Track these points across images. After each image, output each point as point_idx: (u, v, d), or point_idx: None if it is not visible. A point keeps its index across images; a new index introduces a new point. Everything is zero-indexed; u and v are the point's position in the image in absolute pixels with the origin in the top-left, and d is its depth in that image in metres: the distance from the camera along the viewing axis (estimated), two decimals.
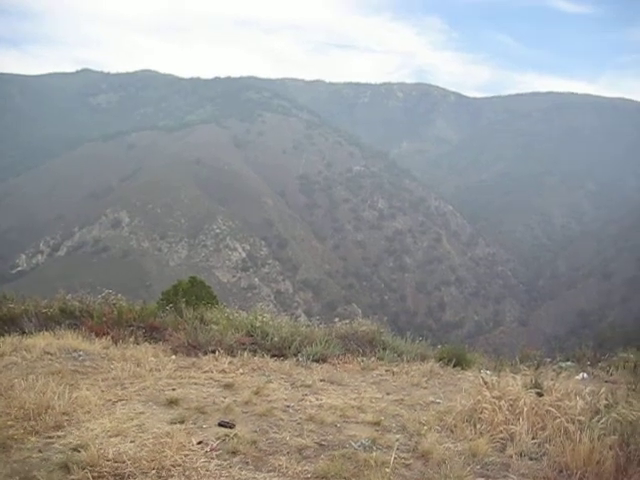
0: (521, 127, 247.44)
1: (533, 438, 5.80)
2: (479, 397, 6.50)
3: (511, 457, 5.50)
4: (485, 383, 6.85)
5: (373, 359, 9.82)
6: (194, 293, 14.01)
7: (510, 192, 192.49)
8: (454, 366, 9.66)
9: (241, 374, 8.34)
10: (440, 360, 9.83)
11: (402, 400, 7.47)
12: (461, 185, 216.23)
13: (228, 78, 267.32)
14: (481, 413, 6.26)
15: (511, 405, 6.22)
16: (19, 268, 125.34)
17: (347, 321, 11.59)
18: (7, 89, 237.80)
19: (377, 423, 6.36)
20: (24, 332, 10.93)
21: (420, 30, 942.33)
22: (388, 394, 7.83)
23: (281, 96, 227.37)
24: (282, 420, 6.32)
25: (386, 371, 9.25)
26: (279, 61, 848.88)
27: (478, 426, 6.10)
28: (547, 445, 5.67)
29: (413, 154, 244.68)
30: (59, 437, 5.45)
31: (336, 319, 11.91)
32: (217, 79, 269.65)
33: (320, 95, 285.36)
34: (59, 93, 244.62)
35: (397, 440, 5.80)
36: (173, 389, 7.29)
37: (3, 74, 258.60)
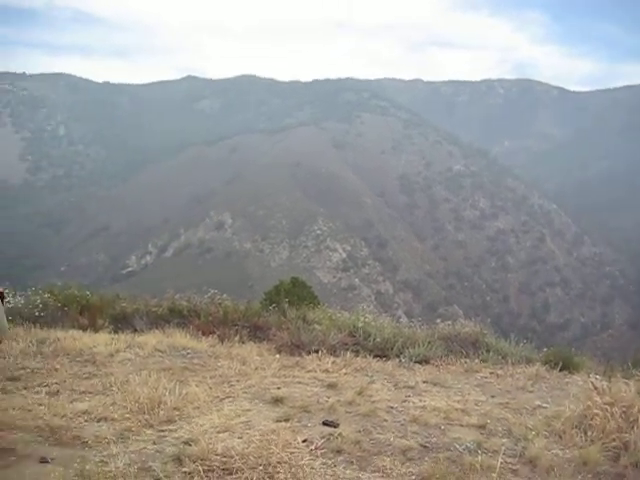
0: (629, 120, 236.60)
1: None
2: (589, 403, 6.26)
3: (626, 467, 5.28)
4: (595, 388, 6.59)
5: (476, 361, 9.64)
6: (296, 293, 14.19)
7: (618, 188, 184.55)
8: (561, 370, 9.34)
9: (344, 374, 8.39)
10: (546, 363, 9.53)
11: (507, 403, 7.31)
12: (565, 182, 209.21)
13: (326, 80, 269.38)
14: (592, 420, 6.02)
15: (624, 412, 5.94)
16: (129, 269, 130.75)
17: (449, 322, 11.44)
18: (117, 98, 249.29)
19: (482, 426, 6.24)
20: (136, 330, 11.43)
21: (520, 24, 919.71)
22: (493, 397, 7.68)
23: (379, 96, 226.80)
24: (385, 421, 6.32)
25: (490, 373, 9.06)
26: (377, 61, 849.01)
27: (589, 433, 5.86)
28: None
29: (515, 151, 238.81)
30: (171, 431, 5.67)
31: (438, 320, 11.79)
32: (315, 81, 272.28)
33: (419, 94, 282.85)
34: (165, 100, 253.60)
35: (503, 444, 5.69)
36: (278, 387, 7.42)
37: (113, 84, 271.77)
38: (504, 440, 5.87)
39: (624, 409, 5.97)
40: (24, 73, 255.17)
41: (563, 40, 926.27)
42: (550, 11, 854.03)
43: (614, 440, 5.68)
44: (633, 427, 5.71)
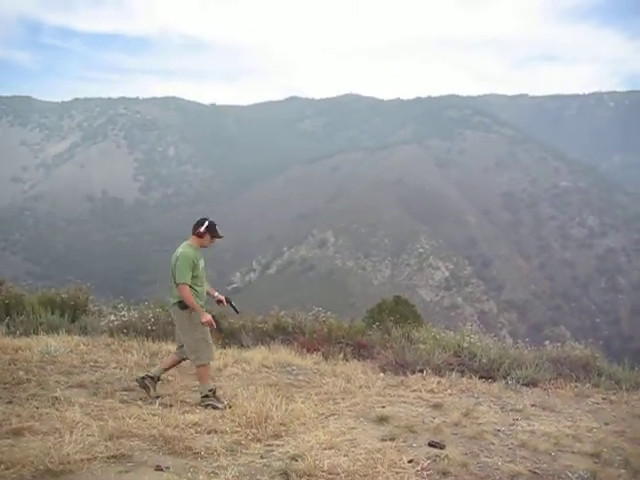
0: None
1: None
2: None
3: None
4: None
5: (587, 385, 9.29)
6: (399, 312, 14.12)
7: None
8: None
9: (449, 395, 8.29)
10: None
11: (623, 432, 6.99)
12: None
13: (429, 97, 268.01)
14: None
15: None
16: (234, 285, 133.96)
17: (558, 344, 11.10)
18: (223, 120, 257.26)
19: (596, 455, 5.99)
20: (242, 345, 11.70)
21: (632, 34, 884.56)
22: (606, 424, 7.37)
23: (483, 113, 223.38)
24: (493, 444, 6.19)
25: (602, 399, 8.72)
26: (481, 77, 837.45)
27: None
28: None
29: (626, 167, 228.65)
30: (278, 446, 5.76)
31: (546, 341, 11.46)
32: (418, 99, 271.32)
33: (523, 110, 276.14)
34: (269, 120, 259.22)
35: (620, 476, 5.45)
36: (383, 406, 7.41)
37: (219, 106, 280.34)
38: (621, 471, 5.60)
39: None
40: (137, 97, 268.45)
41: None
42: None
43: None
44: None
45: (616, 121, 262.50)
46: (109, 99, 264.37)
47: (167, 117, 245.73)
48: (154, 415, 6.29)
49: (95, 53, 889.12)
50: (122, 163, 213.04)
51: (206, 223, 7.40)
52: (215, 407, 6.95)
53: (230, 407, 6.81)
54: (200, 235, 7.39)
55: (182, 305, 7.15)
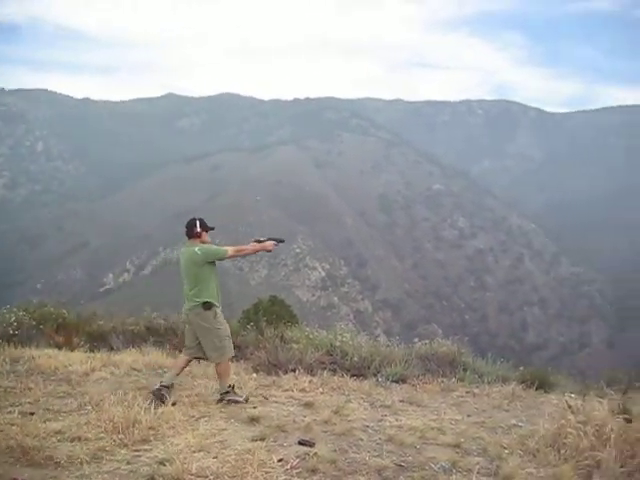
0: (608, 141, 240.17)
1: (621, 466, 5.53)
2: (563, 421, 6.30)
3: None
4: (569, 407, 6.65)
5: (453, 380, 9.66)
6: (274, 312, 14.17)
7: (596, 209, 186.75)
8: (537, 389, 9.41)
9: (321, 393, 8.38)
10: (522, 382, 9.59)
11: (483, 422, 7.34)
12: (545, 203, 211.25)
13: (307, 99, 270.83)
14: (565, 438, 6.06)
15: (597, 431, 5.99)
16: (107, 286, 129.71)
17: (427, 341, 11.48)
18: (98, 114, 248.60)
19: (457, 445, 6.26)
20: (112, 348, 11.34)
21: (500, 46, 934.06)
22: (469, 416, 7.70)
23: (360, 116, 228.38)
24: (361, 440, 6.31)
25: (466, 392, 9.09)
26: (358, 81, 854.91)
27: (562, 452, 5.90)
28: (637, 474, 5.45)
29: (495, 172, 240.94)
30: (146, 450, 5.62)
31: (416, 339, 11.85)
32: (297, 100, 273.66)
33: (399, 114, 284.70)
34: (145, 117, 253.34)
35: (477, 463, 5.71)
36: (254, 407, 7.39)
37: (94, 101, 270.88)
38: (479, 459, 5.88)
39: (597, 427, 6.02)
40: (3, 89, 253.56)
41: (543, 62, 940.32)
42: (530, 33, 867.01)
43: (587, 458, 5.71)
44: (605, 445, 5.75)
45: (485, 128, 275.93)
46: None
47: (36, 110, 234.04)
48: (12, 425, 5.96)
49: None
50: None
51: (198, 222, 7.64)
52: (237, 401, 7.37)
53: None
54: (199, 235, 7.64)
55: (206, 306, 7.41)
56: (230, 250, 7.64)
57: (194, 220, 7.70)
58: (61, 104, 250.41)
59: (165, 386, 7.43)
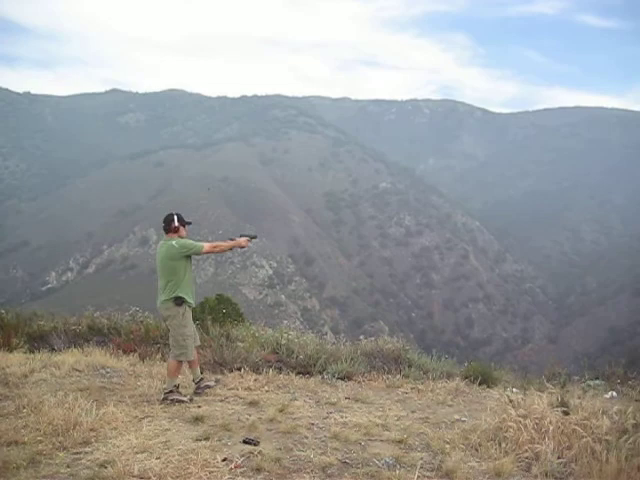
0: (549, 142, 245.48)
1: (559, 458, 5.71)
2: (504, 415, 6.44)
3: (536, 477, 5.45)
4: (510, 401, 6.80)
5: (398, 377, 9.75)
6: (221, 310, 14.08)
7: (538, 208, 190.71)
8: (480, 384, 9.57)
9: (266, 391, 8.37)
10: (466, 378, 9.74)
11: (427, 418, 7.44)
12: (488, 201, 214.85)
13: (254, 96, 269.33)
14: (506, 432, 6.20)
15: (537, 424, 6.14)
16: (49, 285, 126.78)
17: (373, 338, 11.56)
18: (39, 109, 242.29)
19: (401, 441, 6.33)
20: (53, 349, 11.09)
21: (446, 46, 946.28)
22: (413, 412, 7.79)
23: (307, 114, 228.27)
24: (306, 438, 6.33)
25: (411, 389, 9.19)
26: (306, 79, 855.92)
27: (503, 445, 6.04)
28: (573, 465, 5.61)
29: (440, 170, 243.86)
30: (87, 453, 5.52)
31: (362, 336, 11.90)
32: (244, 97, 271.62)
33: (346, 112, 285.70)
34: (88, 113, 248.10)
35: (421, 459, 5.78)
36: (199, 406, 7.34)
37: (35, 95, 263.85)
38: (422, 454, 5.96)
39: (536, 421, 6.18)
40: None
41: (487, 63, 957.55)
42: (476, 34, 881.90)
43: (526, 451, 5.87)
44: (544, 438, 5.92)
45: (430, 127, 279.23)
46: None
47: None
48: None
49: None
50: None
51: (175, 217, 7.72)
52: (181, 401, 7.34)
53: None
54: (176, 230, 7.70)
55: (178, 302, 7.44)
56: (206, 246, 7.75)
57: (172, 215, 7.76)
58: None
59: (200, 381, 7.92)
